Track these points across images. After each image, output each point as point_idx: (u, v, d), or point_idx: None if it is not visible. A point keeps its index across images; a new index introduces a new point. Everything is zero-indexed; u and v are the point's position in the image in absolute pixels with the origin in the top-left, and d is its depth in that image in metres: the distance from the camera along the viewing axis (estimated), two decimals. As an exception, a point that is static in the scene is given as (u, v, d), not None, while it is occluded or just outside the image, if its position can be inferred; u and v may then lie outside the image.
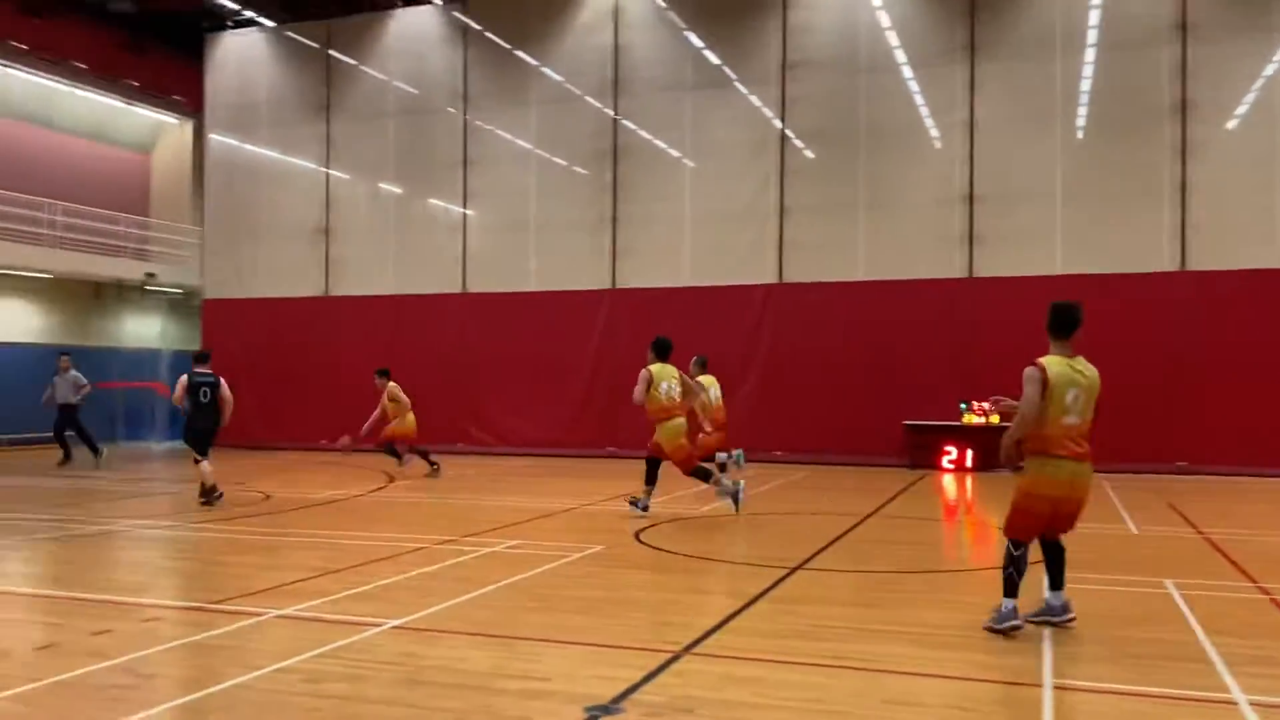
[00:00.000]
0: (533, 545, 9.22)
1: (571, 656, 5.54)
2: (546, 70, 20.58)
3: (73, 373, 17.65)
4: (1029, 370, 5.93)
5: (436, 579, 7.70)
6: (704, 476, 11.35)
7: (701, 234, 19.39)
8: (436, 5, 21.51)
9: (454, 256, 21.06)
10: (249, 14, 22.69)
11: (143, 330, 25.38)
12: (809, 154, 18.98)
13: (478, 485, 14.89)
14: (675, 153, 19.78)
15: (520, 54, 20.77)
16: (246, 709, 4.65)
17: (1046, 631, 5.99)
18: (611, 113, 19.97)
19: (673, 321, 19.18)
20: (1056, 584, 6.14)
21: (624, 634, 6.03)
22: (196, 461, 12.16)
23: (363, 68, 22.03)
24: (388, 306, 21.54)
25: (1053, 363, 5.94)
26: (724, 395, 14.31)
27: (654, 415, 11.11)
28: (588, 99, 20.22)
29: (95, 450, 17.78)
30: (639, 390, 11.02)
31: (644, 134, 19.92)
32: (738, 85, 19.37)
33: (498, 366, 20.66)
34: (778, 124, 18.98)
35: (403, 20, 21.75)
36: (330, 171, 22.27)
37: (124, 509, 12.19)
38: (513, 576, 7.71)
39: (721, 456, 14.49)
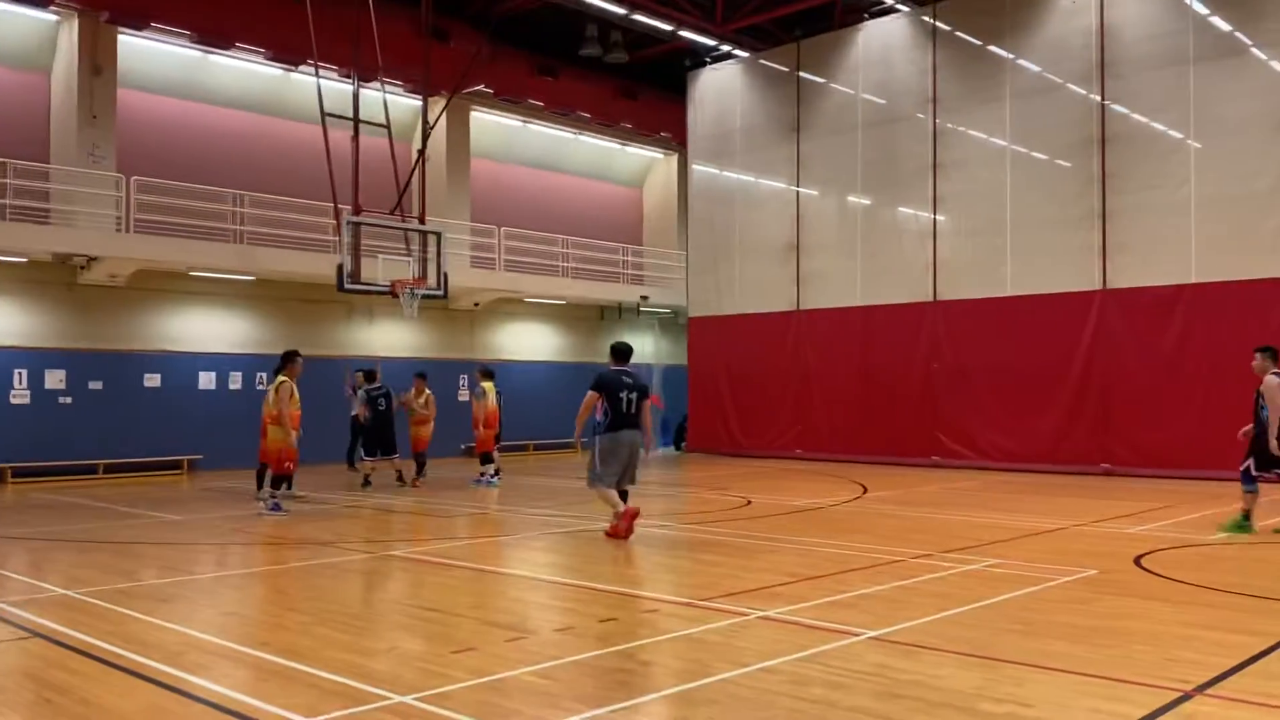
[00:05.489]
0: (1016, 565, 8.73)
1: (1059, 684, 5.15)
2: (1022, 62, 19.48)
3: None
4: None
5: (913, 593, 7.57)
6: (260, 479, 13.57)
7: (1211, 223, 17.11)
8: (904, 13, 21.33)
9: (924, 264, 20.65)
10: (726, 48, 24.15)
11: (638, 347, 27.85)
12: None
13: (955, 500, 14.43)
14: (1176, 134, 17.70)
15: (993, 49, 19.89)
16: (733, 704, 4.90)
17: None
18: (1097, 98, 18.40)
19: (1180, 322, 17.29)
20: None
21: (1120, 666, 5.49)
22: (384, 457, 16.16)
23: (831, 85, 22.44)
24: (857, 318, 21.67)
25: None
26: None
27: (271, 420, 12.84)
28: (1070, 86, 18.82)
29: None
30: (284, 404, 12.60)
31: (1137, 117, 18.08)
32: (1255, 51, 16.92)
33: (972, 376, 19.86)
34: (1307, 89, 16.28)
35: (870, 32, 21.83)
36: (800, 189, 22.94)
37: (625, 509, 13.45)
38: (994, 597, 7.36)
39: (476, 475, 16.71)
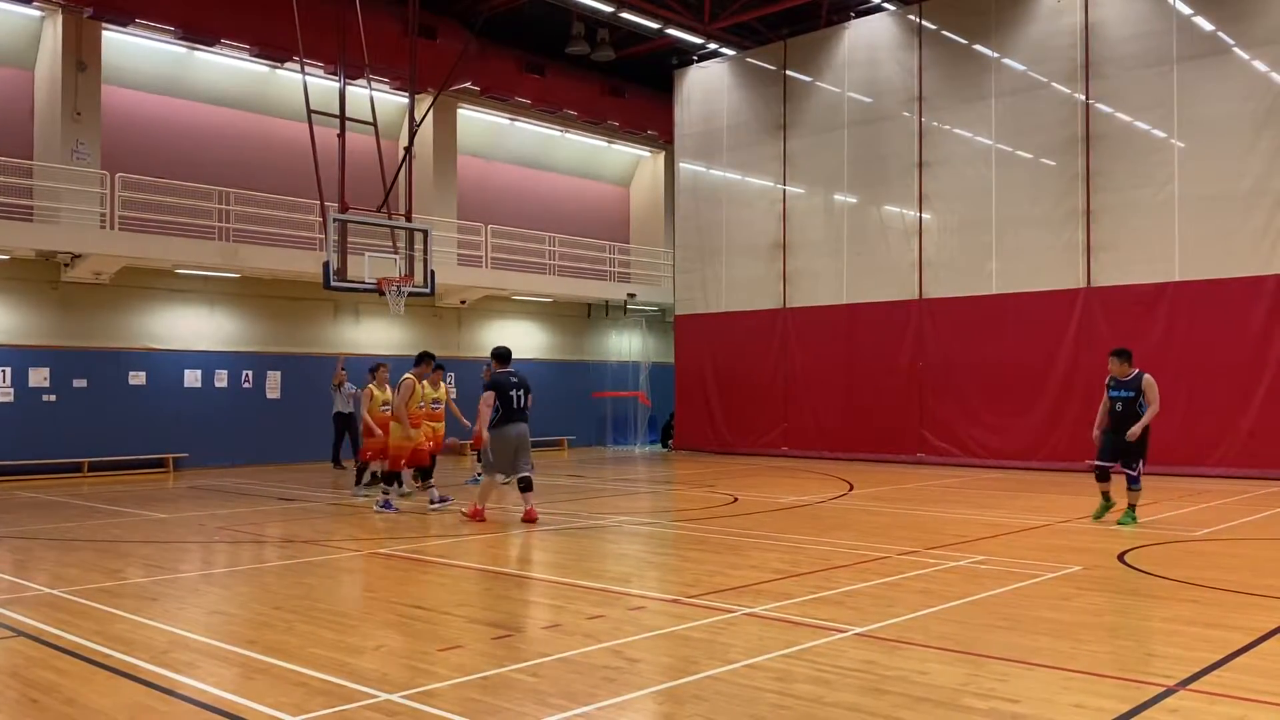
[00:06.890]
0: (1000, 561, 8.78)
1: (1043, 680, 5.19)
2: (1007, 61, 19.57)
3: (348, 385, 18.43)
4: None
5: (898, 589, 7.61)
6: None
7: (1194, 222, 17.24)
8: (891, 11, 21.39)
9: (909, 262, 20.72)
10: (713, 46, 24.18)
11: (624, 345, 27.97)
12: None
13: (940, 497, 14.50)
14: (1160, 133, 17.81)
15: (979, 48, 19.97)
16: (720, 700, 4.92)
17: None
18: (1082, 97, 18.49)
19: (1164, 320, 17.40)
20: None
21: (1103, 662, 5.54)
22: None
23: (818, 83, 22.49)
24: (843, 316, 21.73)
25: None
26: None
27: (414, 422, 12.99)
28: (1054, 85, 18.92)
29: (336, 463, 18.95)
30: (401, 402, 12.70)
31: (1121, 116, 18.19)
32: (1238, 51, 17.04)
33: (957, 374, 19.96)
34: (1289, 88, 16.42)
35: (857, 31, 21.89)
36: (787, 187, 22.99)
37: (612, 506, 13.51)
38: (979, 593, 7.41)
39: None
